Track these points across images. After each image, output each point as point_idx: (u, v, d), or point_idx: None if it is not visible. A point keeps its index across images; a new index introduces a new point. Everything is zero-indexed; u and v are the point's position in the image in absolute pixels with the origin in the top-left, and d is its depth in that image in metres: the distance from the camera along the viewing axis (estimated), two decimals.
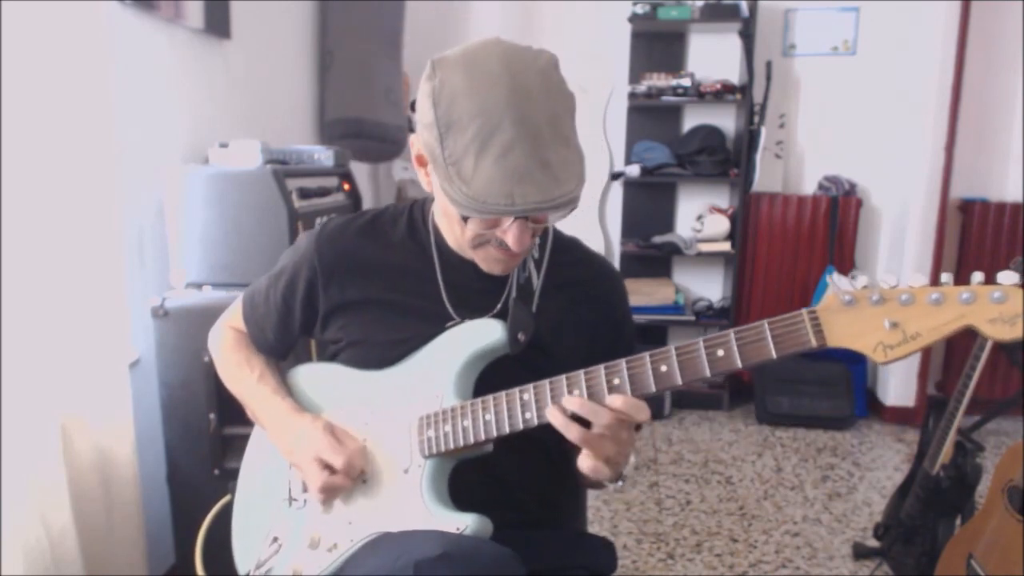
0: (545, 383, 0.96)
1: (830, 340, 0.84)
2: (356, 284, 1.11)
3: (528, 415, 0.96)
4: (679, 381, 0.90)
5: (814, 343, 0.84)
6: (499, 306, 1.09)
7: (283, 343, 1.22)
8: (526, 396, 0.97)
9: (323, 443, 1.05)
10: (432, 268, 1.10)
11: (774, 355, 0.85)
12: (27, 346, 1.41)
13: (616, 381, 0.92)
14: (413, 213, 1.16)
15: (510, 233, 0.97)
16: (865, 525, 2.59)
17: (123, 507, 1.67)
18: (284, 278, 1.16)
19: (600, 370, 0.94)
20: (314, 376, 1.19)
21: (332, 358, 1.17)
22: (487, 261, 1.04)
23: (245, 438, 1.78)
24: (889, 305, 0.82)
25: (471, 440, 0.99)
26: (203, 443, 1.80)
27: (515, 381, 0.99)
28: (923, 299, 0.81)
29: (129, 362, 1.73)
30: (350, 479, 1.04)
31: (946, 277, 0.81)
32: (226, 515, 1.25)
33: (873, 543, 2.36)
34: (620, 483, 1.02)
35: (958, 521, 2.01)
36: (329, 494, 1.05)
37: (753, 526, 2.61)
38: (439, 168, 0.93)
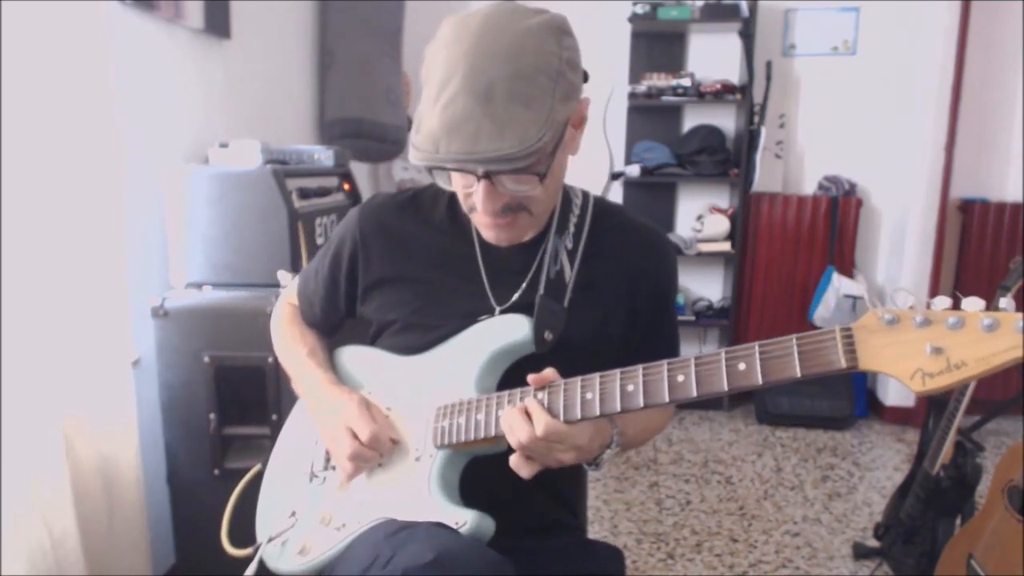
0: (560, 383, 0.95)
1: (863, 362, 0.76)
2: (395, 260, 1.12)
3: (540, 396, 0.95)
4: (694, 393, 0.85)
5: (843, 363, 0.76)
6: (520, 293, 1.07)
7: (330, 319, 1.24)
8: (540, 395, 0.95)
9: (354, 414, 1.06)
10: (472, 249, 1.09)
11: (799, 374, 0.79)
12: (28, 347, 1.41)
13: (630, 387, 0.90)
14: (454, 193, 1.15)
15: (476, 194, 0.97)
16: (865, 525, 2.59)
17: (125, 508, 1.67)
18: (331, 252, 1.19)
19: (616, 375, 0.91)
20: (355, 356, 1.21)
21: (374, 339, 1.19)
22: (482, 228, 1.04)
23: (245, 438, 1.80)
24: (935, 328, 0.73)
25: (481, 434, 0.98)
26: (203, 443, 1.80)
27: (551, 367, 0.98)
28: (975, 324, 0.71)
29: (130, 362, 1.73)
30: (376, 452, 1.05)
31: (1005, 303, 0.72)
32: (240, 499, 1.28)
33: (873, 543, 2.36)
34: (595, 467, 1.01)
35: (958, 521, 2.01)
36: (357, 463, 1.05)
37: (753, 526, 2.61)
38: (416, 115, 0.95)
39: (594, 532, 2.55)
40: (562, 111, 0.92)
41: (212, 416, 1.78)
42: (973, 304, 0.73)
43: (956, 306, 0.75)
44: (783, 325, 3.83)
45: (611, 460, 1.01)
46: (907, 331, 0.75)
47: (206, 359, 1.76)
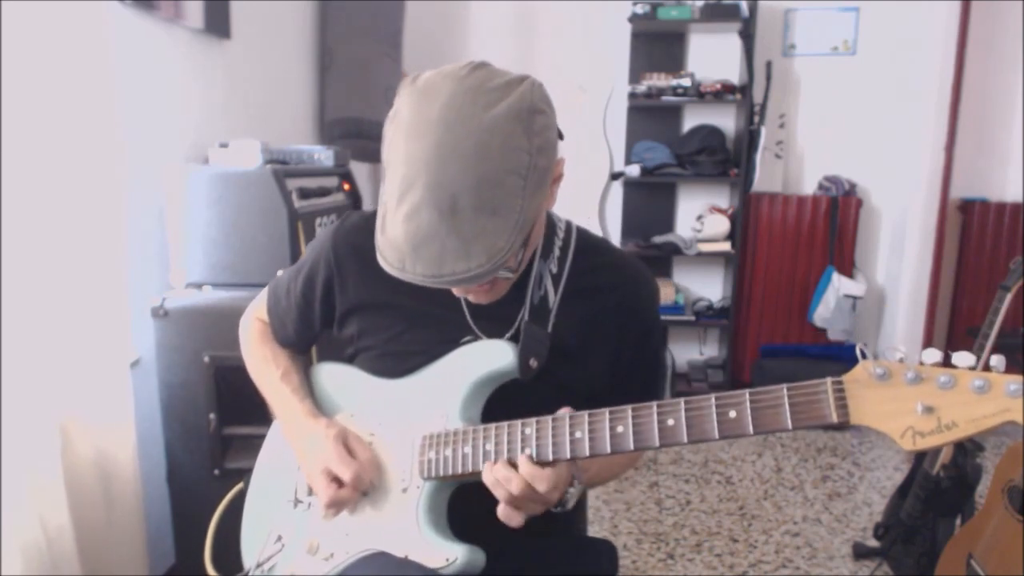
0: (548, 419, 0.93)
1: (854, 417, 0.77)
2: (372, 286, 1.08)
3: (528, 451, 0.93)
4: (685, 439, 0.85)
5: (835, 418, 0.77)
6: (516, 325, 1.05)
7: (303, 338, 1.22)
8: (528, 431, 0.94)
9: (333, 454, 1.03)
10: None
11: (789, 426, 0.79)
12: (28, 346, 1.41)
13: (620, 429, 0.89)
14: None
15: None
16: (865, 525, 2.59)
17: (123, 507, 1.67)
18: (303, 274, 1.15)
19: (605, 414, 0.90)
20: (335, 376, 1.18)
21: (351, 360, 1.16)
22: (455, 289, 1.01)
23: (245, 438, 1.80)
24: (926, 386, 0.74)
25: (469, 469, 0.97)
26: (203, 443, 1.80)
27: (533, 398, 0.98)
28: (966, 384, 0.72)
29: (129, 362, 1.73)
30: (358, 492, 1.03)
31: (996, 360, 0.73)
32: (229, 512, 1.25)
33: (873, 543, 2.36)
34: (561, 508, 1.00)
35: (958, 521, 2.01)
36: (337, 507, 1.04)
37: (753, 526, 2.61)
38: (380, 198, 0.91)
39: (594, 532, 2.55)
40: (533, 204, 0.88)
41: (212, 416, 1.78)
42: (963, 360, 0.74)
43: (947, 360, 0.75)
44: (783, 325, 3.84)
45: (576, 498, 1.01)
46: (898, 387, 0.76)
47: (206, 359, 1.76)
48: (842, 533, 2.56)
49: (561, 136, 0.94)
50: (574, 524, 1.23)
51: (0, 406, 1.34)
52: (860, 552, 2.39)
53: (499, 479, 0.92)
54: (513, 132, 0.85)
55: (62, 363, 1.50)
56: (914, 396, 0.74)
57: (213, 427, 1.78)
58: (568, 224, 1.12)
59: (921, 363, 0.75)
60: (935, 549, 2.00)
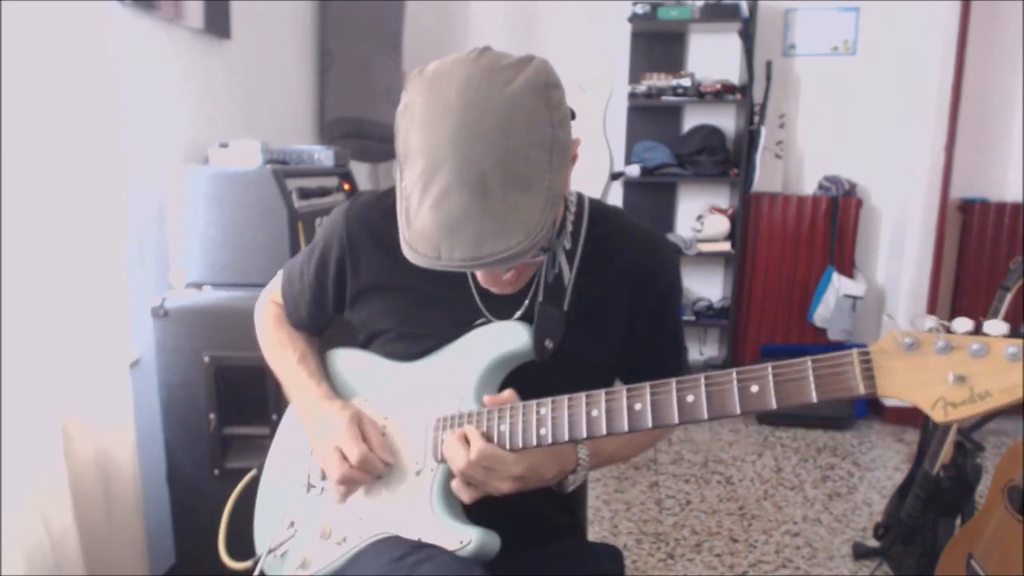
0: (564, 399, 0.91)
1: (881, 389, 0.73)
2: (384, 267, 1.08)
3: (543, 431, 0.91)
4: (705, 415, 0.81)
5: (862, 390, 0.73)
6: (526, 304, 1.04)
7: (317, 321, 1.21)
8: (543, 411, 0.92)
9: (346, 434, 1.03)
10: None
11: (814, 398, 0.75)
12: (28, 346, 1.41)
13: (638, 407, 0.86)
14: None
15: (476, 271, 0.97)
16: (865, 525, 2.59)
17: (124, 507, 1.67)
18: (316, 255, 1.15)
19: (622, 392, 0.87)
20: (349, 361, 1.18)
21: (365, 345, 1.16)
22: (482, 279, 1.01)
23: (245, 438, 1.80)
24: (957, 355, 0.70)
25: None
26: (203, 443, 1.80)
27: (549, 377, 0.97)
28: (999, 352, 0.68)
29: (129, 362, 1.73)
30: (367, 474, 1.03)
31: None
32: (237, 500, 1.26)
33: (873, 543, 2.36)
34: (561, 490, 1.01)
35: (958, 521, 2.01)
36: (347, 486, 1.04)
37: (753, 526, 2.61)
38: (398, 196, 0.89)
39: (594, 532, 2.55)
40: (560, 179, 0.87)
41: (212, 416, 1.78)
42: (995, 328, 0.70)
43: (978, 328, 0.71)
44: (783, 325, 3.84)
45: (580, 482, 1.01)
46: (928, 356, 0.72)
47: (206, 359, 1.76)
48: (842, 533, 2.56)
49: (573, 115, 0.94)
50: (576, 525, 1.23)
51: (0, 407, 1.34)
52: (860, 552, 2.39)
53: (447, 455, 0.95)
54: (534, 107, 0.85)
55: (62, 363, 1.50)
56: (945, 366, 0.70)
57: (213, 427, 1.78)
58: (580, 196, 1.10)
59: (951, 331, 0.72)
60: (935, 549, 2.00)
